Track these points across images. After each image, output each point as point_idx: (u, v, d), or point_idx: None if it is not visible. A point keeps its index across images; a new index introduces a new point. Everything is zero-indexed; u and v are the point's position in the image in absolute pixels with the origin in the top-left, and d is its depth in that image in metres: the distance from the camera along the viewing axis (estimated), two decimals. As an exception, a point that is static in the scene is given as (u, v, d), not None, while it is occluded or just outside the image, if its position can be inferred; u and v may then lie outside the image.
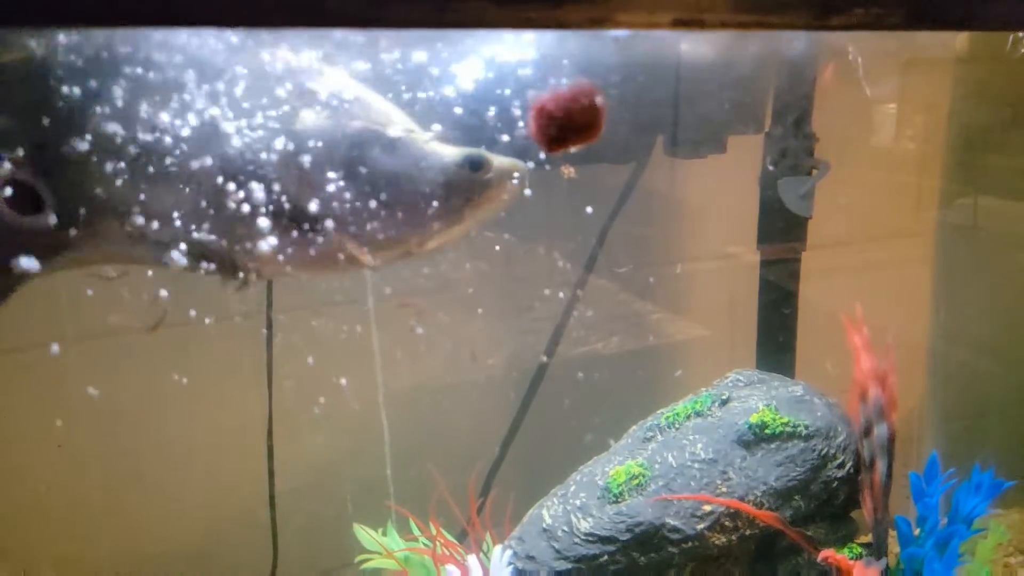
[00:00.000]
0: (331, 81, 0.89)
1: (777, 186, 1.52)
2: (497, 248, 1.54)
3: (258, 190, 0.85)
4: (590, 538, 1.16)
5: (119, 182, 0.83)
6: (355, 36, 0.85)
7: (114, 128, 0.81)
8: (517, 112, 0.90)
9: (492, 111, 0.94)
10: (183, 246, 0.86)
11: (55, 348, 1.22)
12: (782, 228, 1.56)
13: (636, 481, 1.20)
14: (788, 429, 1.22)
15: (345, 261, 0.91)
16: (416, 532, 1.35)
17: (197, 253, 0.87)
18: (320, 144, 0.87)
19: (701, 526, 1.16)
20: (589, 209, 1.38)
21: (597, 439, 1.36)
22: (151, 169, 0.83)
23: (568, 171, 1.17)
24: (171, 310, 0.98)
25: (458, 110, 0.95)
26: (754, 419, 1.23)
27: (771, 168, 1.53)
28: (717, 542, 1.17)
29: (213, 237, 0.86)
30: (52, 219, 0.82)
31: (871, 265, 1.86)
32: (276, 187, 0.86)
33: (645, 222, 1.68)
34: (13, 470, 1.34)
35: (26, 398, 1.31)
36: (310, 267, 0.92)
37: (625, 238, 1.59)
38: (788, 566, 1.24)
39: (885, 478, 1.19)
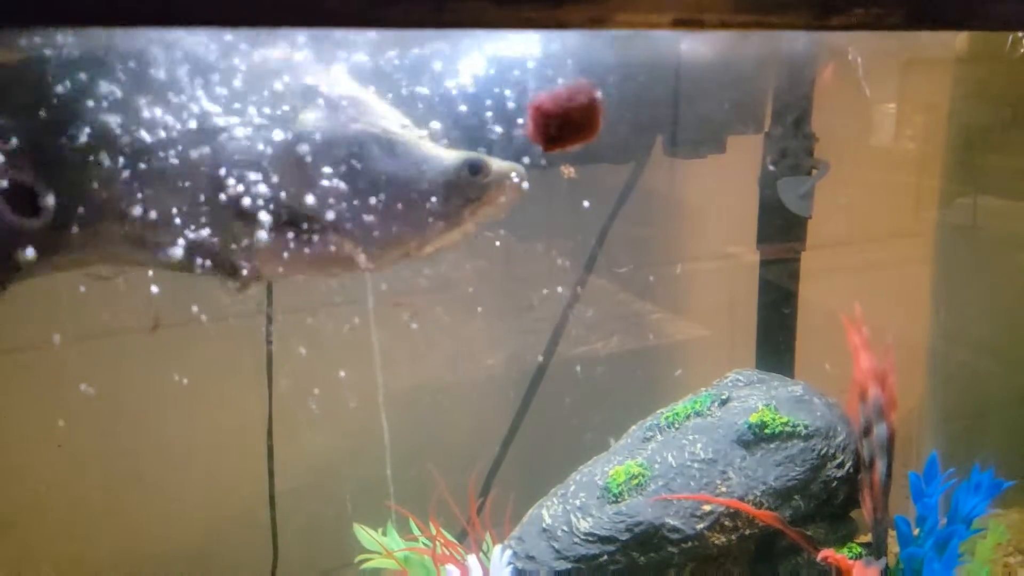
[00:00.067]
0: (330, 82, 0.89)
1: (777, 186, 1.52)
2: (497, 247, 1.54)
3: (257, 192, 0.85)
4: (590, 538, 1.16)
5: (118, 183, 0.83)
6: (353, 35, 0.85)
7: (113, 129, 0.81)
8: (515, 112, 0.90)
9: (490, 111, 0.95)
10: (182, 247, 0.86)
11: (55, 348, 1.23)
12: (782, 228, 1.56)
13: (636, 481, 1.20)
14: (788, 429, 1.23)
15: (344, 264, 0.91)
16: (416, 532, 1.35)
17: (196, 255, 0.87)
18: (319, 146, 0.87)
19: (701, 526, 1.16)
20: (587, 205, 1.38)
21: (597, 439, 1.36)
22: (149, 170, 0.83)
23: (568, 171, 1.17)
24: (171, 310, 0.98)
25: (456, 110, 0.95)
26: (754, 419, 1.23)
27: (771, 168, 1.53)
28: (717, 542, 1.17)
29: (212, 239, 0.86)
30: (50, 220, 0.82)
31: (871, 265, 1.86)
32: (275, 189, 0.86)
33: (645, 222, 1.68)
34: (13, 470, 1.34)
35: (26, 398, 1.31)
36: (309, 269, 0.92)
37: (625, 238, 1.59)
38: (788, 566, 1.24)
39: (885, 478, 1.19)
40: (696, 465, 1.21)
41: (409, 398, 1.56)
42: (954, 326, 1.94)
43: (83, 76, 0.80)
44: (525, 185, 0.93)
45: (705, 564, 1.20)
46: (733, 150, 1.49)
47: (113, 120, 0.81)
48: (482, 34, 0.89)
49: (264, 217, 0.86)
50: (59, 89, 0.80)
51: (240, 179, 0.85)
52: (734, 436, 1.23)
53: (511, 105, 0.92)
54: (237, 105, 0.85)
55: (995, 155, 1.85)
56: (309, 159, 0.86)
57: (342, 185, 0.87)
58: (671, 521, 1.16)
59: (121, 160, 0.82)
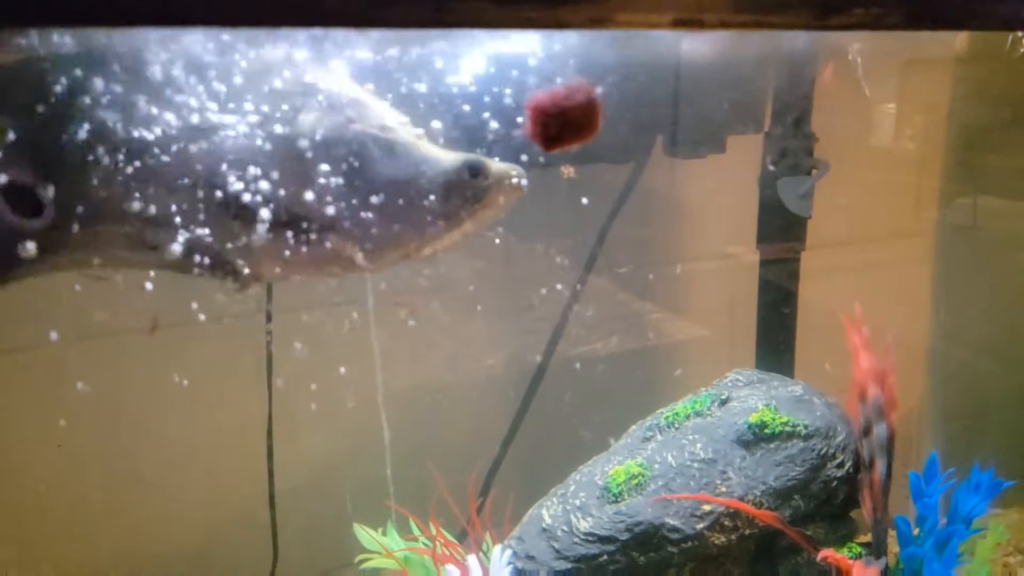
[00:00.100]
0: (329, 83, 0.89)
1: (776, 186, 1.52)
2: (497, 247, 1.54)
3: (255, 193, 0.85)
4: (590, 538, 1.17)
5: (117, 184, 0.83)
6: (353, 35, 0.85)
7: (111, 130, 0.81)
8: (514, 111, 0.90)
9: (489, 111, 0.94)
10: (181, 248, 0.86)
11: (55, 348, 1.23)
12: (782, 228, 1.56)
13: (636, 481, 1.20)
14: (787, 429, 1.23)
15: (342, 265, 0.91)
16: (416, 532, 1.35)
17: (195, 256, 0.87)
18: (318, 147, 0.87)
19: (701, 526, 1.16)
20: (586, 202, 1.38)
21: (597, 439, 1.36)
22: (148, 171, 0.83)
23: (568, 171, 1.17)
24: (171, 310, 0.98)
25: (455, 110, 0.95)
26: (753, 419, 1.23)
27: (771, 168, 1.53)
28: (717, 542, 1.17)
29: (210, 240, 0.86)
30: (50, 220, 0.82)
31: (871, 265, 1.86)
32: (274, 190, 0.86)
33: (645, 222, 1.68)
34: (13, 470, 1.34)
35: (26, 398, 1.31)
36: (308, 270, 0.92)
37: (625, 238, 1.59)
38: (787, 566, 1.24)
39: (884, 478, 1.19)
40: (696, 465, 1.21)
41: (409, 398, 1.56)
42: (954, 326, 1.94)
43: (82, 76, 0.80)
44: (524, 186, 0.93)
45: (705, 564, 1.20)
46: (733, 150, 1.49)
47: (112, 121, 0.81)
48: (481, 34, 0.89)
49: (263, 218, 0.86)
50: (58, 89, 0.80)
51: (238, 180, 0.85)
52: (734, 436, 1.23)
53: (511, 105, 0.92)
54: (236, 106, 0.85)
55: (995, 155, 1.85)
56: (308, 160, 0.86)
57: (341, 186, 0.87)
58: (671, 521, 1.16)
59: (120, 161, 0.82)
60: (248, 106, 0.85)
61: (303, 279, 0.93)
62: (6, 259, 0.84)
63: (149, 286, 0.91)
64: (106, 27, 0.69)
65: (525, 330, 1.63)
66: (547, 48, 0.93)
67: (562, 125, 0.70)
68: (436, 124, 0.94)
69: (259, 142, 0.85)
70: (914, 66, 1.75)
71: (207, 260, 0.88)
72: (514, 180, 0.92)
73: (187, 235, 0.86)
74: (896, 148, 1.85)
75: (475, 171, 0.91)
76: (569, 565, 1.16)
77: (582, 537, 1.17)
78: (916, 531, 1.25)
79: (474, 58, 0.96)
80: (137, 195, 0.83)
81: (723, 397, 1.32)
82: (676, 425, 1.29)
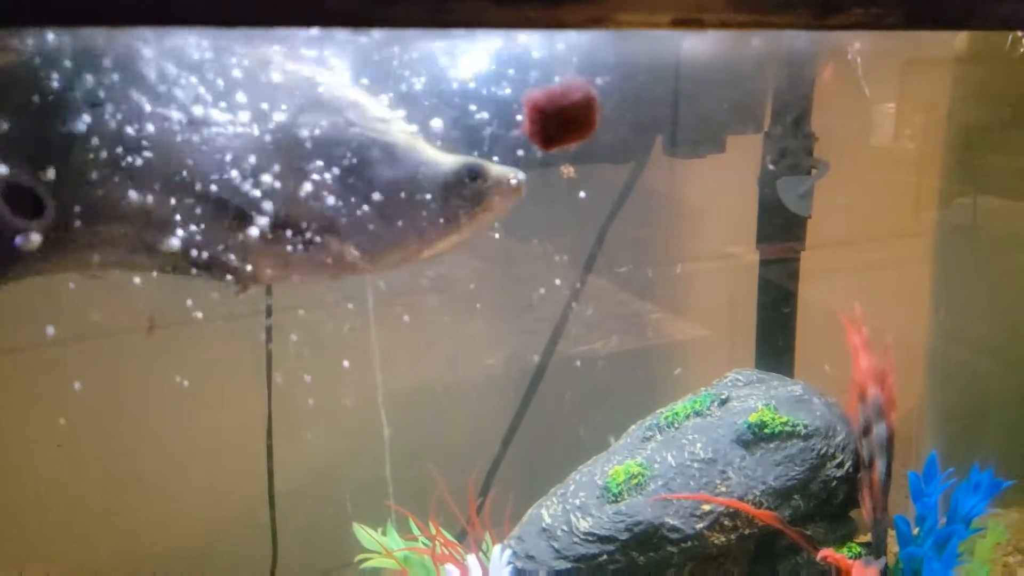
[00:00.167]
0: (329, 85, 0.89)
1: (776, 186, 1.52)
2: (497, 247, 1.54)
3: (255, 196, 0.85)
4: (589, 537, 1.17)
5: (116, 186, 0.83)
6: (353, 34, 0.85)
7: (110, 132, 0.81)
8: (513, 111, 0.90)
9: (488, 111, 0.94)
10: (180, 251, 0.86)
11: (55, 348, 1.22)
12: (781, 228, 1.56)
13: (635, 480, 1.20)
14: (787, 428, 1.23)
15: (341, 267, 0.91)
16: (416, 532, 1.36)
17: (194, 258, 0.87)
18: (317, 150, 0.87)
19: (700, 525, 1.16)
20: (584, 196, 1.38)
21: (597, 438, 1.36)
22: (147, 173, 0.83)
23: (567, 171, 1.17)
24: (171, 310, 0.98)
25: (454, 110, 0.95)
26: (753, 419, 1.23)
27: (770, 168, 1.53)
28: (716, 541, 1.17)
29: (209, 242, 0.86)
30: (49, 221, 0.82)
31: (871, 265, 1.86)
32: (273, 193, 0.86)
33: (645, 222, 1.68)
34: (13, 470, 1.34)
35: (26, 398, 1.31)
36: (307, 273, 0.92)
37: (625, 238, 1.59)
38: (787, 565, 1.24)
39: (884, 477, 1.19)
40: (696, 465, 1.21)
41: (409, 398, 1.56)
42: (954, 326, 1.94)
43: (81, 77, 0.80)
44: (523, 189, 0.93)
45: (704, 564, 1.20)
46: (733, 150, 1.49)
47: (111, 122, 0.81)
48: (480, 33, 0.89)
49: (262, 221, 0.86)
50: (57, 90, 0.80)
51: (238, 183, 0.85)
52: (734, 436, 1.23)
53: (510, 105, 0.92)
54: (235, 108, 0.85)
55: (995, 155, 1.85)
56: (308, 163, 0.86)
57: (340, 189, 0.87)
58: (671, 521, 1.16)
59: (119, 163, 0.82)
60: (247, 109, 0.85)
61: (301, 281, 0.93)
62: (4, 259, 0.84)
63: (149, 286, 0.91)
64: (106, 27, 0.69)
65: (525, 330, 1.63)
66: (547, 48, 0.93)
67: (560, 123, 0.70)
68: (435, 125, 0.94)
69: (258, 144, 0.85)
70: (914, 66, 1.75)
71: (206, 262, 0.88)
72: (513, 182, 0.92)
73: (185, 237, 0.86)
74: (896, 148, 1.85)
75: (474, 174, 0.91)
76: (569, 565, 1.16)
77: (582, 537, 1.17)
78: (916, 531, 1.25)
79: (473, 58, 0.96)
80: (136, 197, 0.83)
81: (723, 397, 1.32)
82: (676, 425, 1.29)
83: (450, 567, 1.20)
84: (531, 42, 0.93)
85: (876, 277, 1.84)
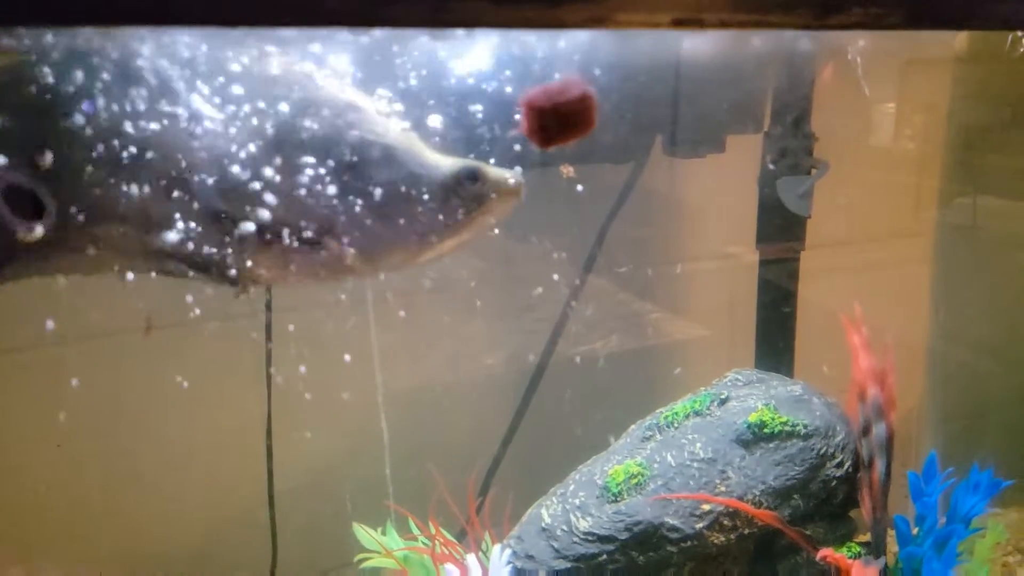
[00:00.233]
0: (328, 87, 0.89)
1: (776, 185, 1.52)
2: (497, 247, 1.54)
3: (254, 198, 0.85)
4: (589, 537, 1.17)
5: (116, 187, 0.83)
6: (352, 34, 0.85)
7: (110, 133, 0.81)
8: (511, 111, 0.90)
9: (488, 111, 0.94)
10: (179, 253, 0.86)
11: (55, 348, 1.22)
12: (781, 228, 1.56)
13: (635, 480, 1.20)
14: (787, 428, 1.23)
15: (340, 270, 0.91)
16: (415, 531, 1.36)
17: (193, 260, 0.87)
18: (316, 152, 0.87)
19: (700, 525, 1.16)
20: (588, 206, 1.38)
21: (596, 438, 1.36)
22: (146, 176, 0.83)
23: (567, 170, 1.17)
24: (171, 310, 0.98)
25: (453, 110, 0.95)
26: (753, 418, 1.23)
27: (770, 167, 1.53)
28: (716, 541, 1.17)
29: (208, 245, 0.86)
30: (51, 223, 0.82)
31: (871, 265, 1.86)
32: (271, 195, 0.86)
33: (644, 222, 1.68)
34: (13, 470, 1.34)
35: (25, 398, 1.31)
36: (305, 275, 0.92)
37: (625, 238, 1.59)
38: (787, 565, 1.24)
39: (884, 477, 1.19)
40: (695, 464, 1.21)
41: (409, 398, 1.56)
42: (954, 326, 1.94)
43: (80, 79, 0.80)
44: (522, 191, 0.93)
45: (704, 563, 1.20)
46: (732, 149, 1.49)
47: (110, 124, 0.81)
48: (479, 33, 0.89)
49: (261, 223, 0.86)
50: (56, 91, 0.80)
51: (237, 185, 0.85)
52: (733, 435, 1.23)
53: (509, 104, 0.92)
54: (234, 110, 0.85)
55: (995, 155, 1.85)
56: (306, 166, 0.86)
57: (339, 191, 0.87)
58: (670, 520, 1.16)
59: (119, 164, 0.82)
60: (246, 111, 0.85)
61: (300, 284, 0.93)
62: (4, 259, 0.84)
63: (149, 287, 0.91)
64: (106, 26, 0.69)
65: (525, 330, 1.63)
66: (546, 47, 0.92)
67: (558, 121, 0.69)
68: (434, 125, 0.94)
69: (258, 146, 0.85)
70: (914, 66, 1.75)
71: (204, 264, 0.88)
72: (511, 184, 0.92)
73: (184, 238, 0.86)
74: (896, 148, 1.85)
75: (473, 177, 0.91)
76: (568, 564, 1.16)
77: (581, 536, 1.17)
78: (915, 530, 1.25)
79: (472, 58, 0.96)
80: (135, 197, 0.83)
81: (722, 397, 1.32)
82: (675, 424, 1.29)
83: (450, 567, 1.20)
84: (531, 42, 0.93)
85: (876, 277, 1.84)
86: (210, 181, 0.84)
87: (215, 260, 0.87)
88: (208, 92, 0.83)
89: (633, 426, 1.34)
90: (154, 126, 0.82)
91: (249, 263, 0.88)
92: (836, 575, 1.16)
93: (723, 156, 1.49)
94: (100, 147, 0.81)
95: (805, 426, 1.23)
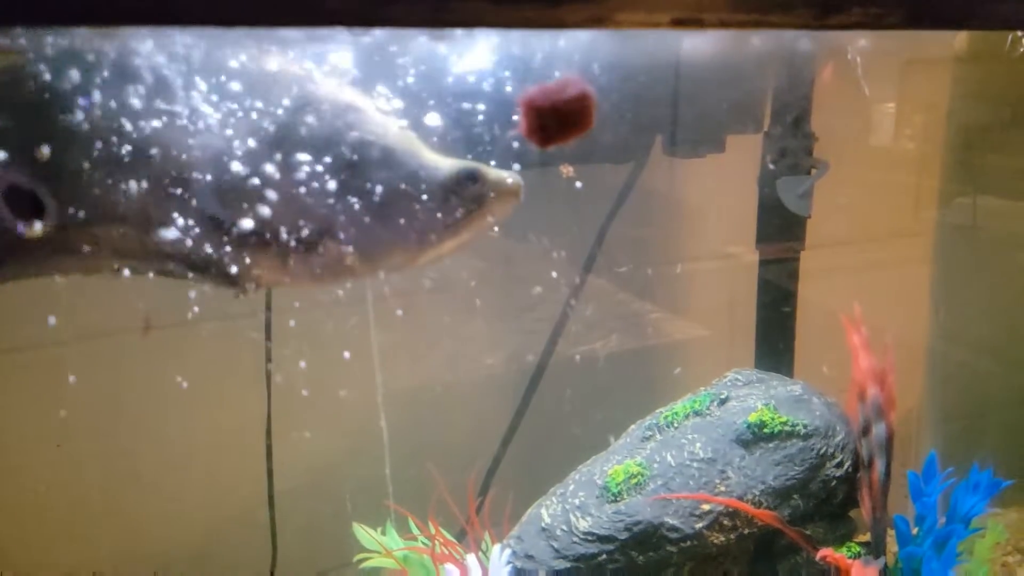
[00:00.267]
0: (327, 87, 0.89)
1: (776, 185, 1.52)
2: (497, 247, 1.54)
3: (252, 200, 0.85)
4: (589, 537, 1.17)
5: (115, 188, 0.83)
6: (352, 34, 0.85)
7: (110, 134, 0.81)
8: (511, 111, 0.90)
9: (487, 111, 0.94)
10: (178, 255, 0.86)
11: (55, 348, 1.22)
12: (781, 228, 1.56)
13: (635, 480, 1.20)
14: (787, 428, 1.23)
15: (339, 272, 0.91)
16: (415, 531, 1.36)
17: (192, 262, 0.87)
18: (315, 153, 0.86)
19: (700, 525, 1.16)
20: (588, 206, 1.38)
21: (596, 438, 1.36)
22: (146, 176, 0.83)
23: (567, 170, 1.17)
24: (171, 310, 0.98)
25: (453, 110, 0.95)
26: (753, 418, 1.23)
27: (770, 167, 1.53)
28: (716, 541, 1.17)
29: (207, 246, 0.86)
30: (51, 224, 0.82)
31: (870, 265, 1.86)
32: (270, 197, 0.86)
33: (644, 222, 1.68)
34: (13, 470, 1.34)
35: (25, 398, 1.31)
36: (303, 276, 0.92)
37: (624, 238, 1.59)
38: (787, 565, 1.24)
39: (883, 477, 1.19)
40: (695, 464, 1.21)
41: (409, 398, 1.56)
42: (954, 326, 1.94)
43: (80, 80, 0.80)
44: (522, 193, 0.92)
45: (704, 563, 1.20)
46: (732, 149, 1.49)
47: (110, 125, 0.81)
48: (479, 33, 0.89)
49: (259, 224, 0.86)
50: (56, 91, 0.79)
51: (235, 187, 0.85)
52: (733, 435, 1.23)
53: (508, 104, 0.92)
54: (233, 111, 0.85)
55: (995, 155, 1.85)
56: (305, 166, 0.86)
57: (338, 192, 0.87)
58: (670, 520, 1.16)
59: (118, 165, 0.82)
60: (245, 112, 0.85)
61: (298, 285, 0.93)
62: (3, 259, 0.84)
63: (148, 287, 0.91)
64: (106, 26, 0.69)
65: (525, 330, 1.63)
66: (546, 47, 0.92)
67: (556, 120, 0.69)
68: (434, 125, 0.94)
69: (256, 147, 0.85)
70: (914, 66, 1.75)
71: (203, 264, 0.87)
72: (511, 185, 0.92)
73: (183, 239, 0.86)
74: (896, 148, 1.85)
75: (472, 177, 0.91)
76: (568, 564, 1.16)
77: (581, 536, 1.17)
78: (915, 530, 1.25)
79: (471, 58, 0.96)
80: (134, 198, 0.83)
81: (722, 396, 1.32)
82: (675, 424, 1.29)
83: (450, 567, 1.20)
84: (531, 42, 0.93)
85: (876, 277, 1.84)
86: (209, 182, 0.84)
87: (214, 261, 0.87)
88: (207, 91, 0.83)
89: (633, 426, 1.34)
90: (154, 125, 0.82)
91: (248, 264, 0.88)
92: (836, 575, 1.16)
93: (723, 156, 1.49)
94: (99, 147, 0.81)
95: (805, 426, 1.23)
